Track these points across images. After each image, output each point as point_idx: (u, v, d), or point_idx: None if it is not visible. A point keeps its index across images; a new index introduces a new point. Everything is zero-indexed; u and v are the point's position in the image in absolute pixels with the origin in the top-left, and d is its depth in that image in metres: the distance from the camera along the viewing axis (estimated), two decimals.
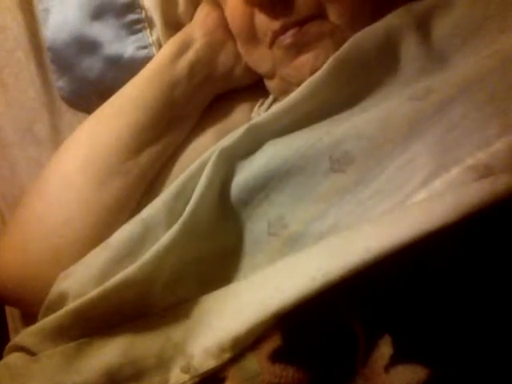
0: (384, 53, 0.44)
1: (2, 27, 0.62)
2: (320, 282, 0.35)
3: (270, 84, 0.54)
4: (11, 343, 0.46)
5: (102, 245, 0.46)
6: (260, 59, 0.51)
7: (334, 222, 0.41)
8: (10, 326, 0.59)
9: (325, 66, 0.44)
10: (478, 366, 0.34)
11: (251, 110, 0.56)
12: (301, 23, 0.45)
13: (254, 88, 0.57)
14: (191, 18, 0.56)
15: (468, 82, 0.41)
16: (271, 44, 0.48)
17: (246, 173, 0.45)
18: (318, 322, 0.37)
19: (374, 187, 0.40)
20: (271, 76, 0.52)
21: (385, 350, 0.35)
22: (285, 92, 0.50)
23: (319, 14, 0.45)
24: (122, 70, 0.56)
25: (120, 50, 0.57)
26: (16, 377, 0.42)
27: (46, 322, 0.43)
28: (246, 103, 0.56)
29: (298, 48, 0.46)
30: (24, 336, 0.44)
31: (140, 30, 0.57)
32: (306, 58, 0.47)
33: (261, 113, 0.55)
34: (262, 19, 0.47)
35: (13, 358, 0.44)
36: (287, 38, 0.46)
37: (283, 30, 0.46)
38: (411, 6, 0.46)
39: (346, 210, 0.41)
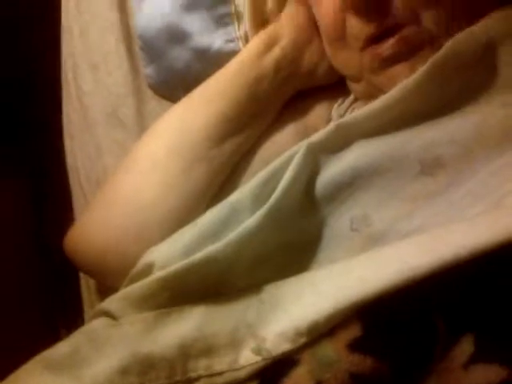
0: (481, 59, 0.44)
1: (94, 13, 0.65)
2: (407, 275, 0.35)
3: (355, 86, 0.54)
4: (96, 308, 0.48)
5: (191, 224, 0.47)
6: (347, 62, 0.51)
7: (421, 222, 0.41)
8: (85, 298, 0.61)
9: (420, 71, 0.44)
10: None
11: (330, 107, 0.57)
12: (395, 29, 0.45)
13: (334, 86, 0.57)
14: (279, 15, 0.57)
15: None
16: (362, 49, 0.48)
17: (334, 169, 0.46)
18: (399, 315, 0.37)
19: (466, 190, 0.40)
20: (356, 79, 0.53)
21: (466, 347, 0.36)
22: (370, 96, 0.50)
23: (414, 20, 0.45)
24: (209, 61, 0.58)
25: (208, 42, 0.58)
26: (95, 341, 0.44)
27: (132, 288, 0.45)
28: (325, 101, 0.57)
29: (395, 59, 0.46)
30: (109, 301, 0.46)
31: (229, 24, 0.58)
32: (401, 68, 0.47)
33: (341, 112, 0.56)
34: (354, 23, 0.47)
35: (95, 323, 0.46)
36: (387, 50, 0.46)
37: (378, 35, 0.46)
38: (508, 12, 0.45)
39: (434, 211, 0.41)
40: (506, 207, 0.37)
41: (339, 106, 0.57)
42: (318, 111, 0.57)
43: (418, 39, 0.45)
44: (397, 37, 0.45)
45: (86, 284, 0.61)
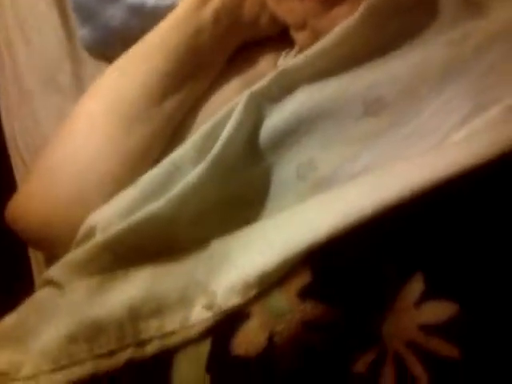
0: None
1: None
2: (354, 217, 0.35)
3: (299, 35, 0.53)
4: (41, 277, 0.46)
5: (132, 185, 0.46)
6: (290, 10, 0.50)
7: (366, 163, 0.41)
8: (35, 270, 0.60)
9: (358, 11, 0.44)
10: (508, 301, 0.34)
11: (276, 60, 0.55)
12: None
13: (279, 38, 0.56)
14: None
15: (505, 29, 0.40)
16: None
17: (277, 116, 0.45)
18: (349, 260, 0.37)
19: (410, 129, 0.40)
20: (300, 27, 0.51)
21: (416, 286, 0.35)
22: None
23: None
24: (146, 18, 0.56)
25: None
26: (42, 311, 0.43)
27: (74, 254, 0.43)
28: (270, 53, 0.56)
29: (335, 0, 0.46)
30: (53, 269, 0.45)
31: None
32: (341, 9, 0.46)
33: (288, 62, 0.55)
34: None
35: (41, 293, 0.45)
36: None
37: None
38: None
39: (379, 151, 0.41)
40: (449, 144, 0.37)
41: (285, 57, 0.56)
42: (264, 64, 0.56)
43: None
44: None
45: (35, 256, 0.60)
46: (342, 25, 0.44)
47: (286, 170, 0.45)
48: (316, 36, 0.49)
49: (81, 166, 0.49)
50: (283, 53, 0.56)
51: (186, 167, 0.44)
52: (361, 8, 0.44)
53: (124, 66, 0.52)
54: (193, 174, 0.42)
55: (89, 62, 0.61)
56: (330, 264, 0.37)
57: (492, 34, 0.41)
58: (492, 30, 0.41)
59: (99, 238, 0.42)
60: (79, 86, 0.60)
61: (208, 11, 0.52)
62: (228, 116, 0.45)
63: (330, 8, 0.47)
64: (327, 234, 0.36)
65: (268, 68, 0.54)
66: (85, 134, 0.49)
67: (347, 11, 0.45)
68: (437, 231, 0.36)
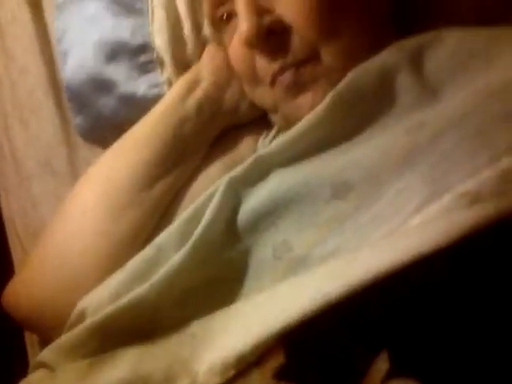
0: (380, 88, 0.47)
1: (22, 69, 0.66)
2: (320, 302, 0.37)
3: (275, 117, 0.57)
4: (35, 360, 0.48)
5: (120, 270, 0.48)
6: (263, 97, 0.54)
7: (335, 246, 0.43)
8: (29, 352, 0.61)
9: (324, 101, 0.47)
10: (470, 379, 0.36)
11: (256, 141, 0.59)
12: (297, 65, 0.49)
13: (258, 121, 0.60)
14: (199, 59, 0.59)
15: (457, 116, 0.43)
16: (272, 84, 0.51)
17: (254, 200, 0.48)
18: (318, 341, 0.38)
19: (373, 212, 0.43)
20: (274, 111, 0.55)
21: (381, 365, 0.37)
22: (289, 125, 0.52)
23: (314, 56, 0.48)
24: (136, 107, 0.60)
25: (133, 88, 0.60)
26: None
27: (65, 338, 0.45)
28: (251, 135, 0.59)
29: (296, 88, 0.49)
30: (44, 352, 0.47)
31: (152, 70, 0.60)
32: (305, 98, 0.50)
33: (266, 144, 0.58)
34: (261, 62, 0.50)
35: (34, 376, 0.46)
36: (286, 79, 0.49)
37: (281, 71, 0.49)
38: (403, 42, 0.49)
39: (346, 235, 0.43)
40: (405, 231, 0.39)
41: (264, 138, 0.59)
42: (245, 145, 0.59)
43: (312, 71, 0.49)
44: (293, 68, 0.49)
45: (30, 338, 0.61)
46: (310, 114, 0.48)
47: (263, 251, 0.47)
48: (287, 118, 0.53)
49: (71, 255, 0.51)
50: (262, 135, 0.59)
51: (170, 251, 0.47)
52: (327, 98, 0.47)
53: (115, 154, 0.56)
54: (175, 259, 0.45)
55: (83, 148, 0.64)
56: (302, 345, 0.38)
57: (445, 122, 0.43)
58: (444, 120, 0.43)
59: (88, 322, 0.44)
60: (74, 170, 0.64)
61: (192, 102, 0.56)
62: (208, 201, 0.48)
63: (295, 96, 0.50)
64: (298, 317, 0.37)
65: (248, 151, 0.58)
66: (77, 222, 0.52)
67: (310, 99, 0.49)
68: (401, 312, 0.38)
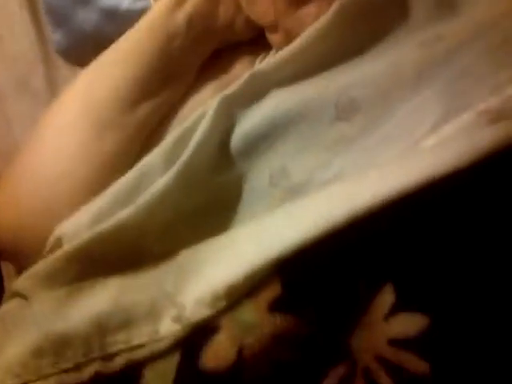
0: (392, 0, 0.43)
1: None
2: (323, 227, 0.34)
3: (273, 38, 0.52)
4: (8, 289, 0.45)
5: (100, 195, 0.45)
6: (262, 11, 0.50)
7: (338, 170, 0.40)
8: (6, 283, 0.59)
9: (329, 12, 0.43)
10: (480, 314, 0.33)
11: (253, 64, 0.55)
12: None
13: (255, 42, 0.55)
14: None
15: (480, 27, 0.40)
16: None
17: (249, 122, 0.44)
18: (319, 272, 0.36)
19: (381, 134, 0.39)
20: (274, 29, 0.51)
21: (386, 298, 0.34)
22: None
23: None
24: (119, 21, 0.56)
25: (116, 1, 0.56)
26: (8, 324, 0.42)
27: (40, 265, 0.42)
28: (247, 57, 0.55)
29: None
30: (19, 281, 0.44)
31: None
32: (308, 9, 0.46)
33: None
34: None
35: (7, 305, 0.44)
36: None
37: None
38: None
39: (351, 157, 0.40)
40: (419, 151, 0.36)
41: (261, 61, 0.55)
42: (240, 68, 0.55)
43: None
44: None
45: (6, 268, 0.59)
46: (312, 26, 0.44)
47: (258, 178, 0.44)
48: (289, 37, 0.48)
49: (48, 176, 0.48)
50: (259, 57, 0.55)
51: (155, 174, 0.44)
52: (332, 8, 0.43)
53: (95, 72, 0.52)
54: (161, 181, 0.41)
55: (63, 67, 0.60)
56: (299, 276, 0.36)
57: (464, 37, 0.40)
58: (464, 32, 0.40)
59: (65, 248, 0.41)
60: (52, 90, 0.60)
61: (181, 16, 0.51)
62: (198, 122, 0.44)
63: (297, 8, 0.46)
64: (297, 245, 0.35)
65: (244, 73, 0.53)
66: (53, 143, 0.49)
67: (315, 11, 0.45)
68: (408, 242, 0.35)
